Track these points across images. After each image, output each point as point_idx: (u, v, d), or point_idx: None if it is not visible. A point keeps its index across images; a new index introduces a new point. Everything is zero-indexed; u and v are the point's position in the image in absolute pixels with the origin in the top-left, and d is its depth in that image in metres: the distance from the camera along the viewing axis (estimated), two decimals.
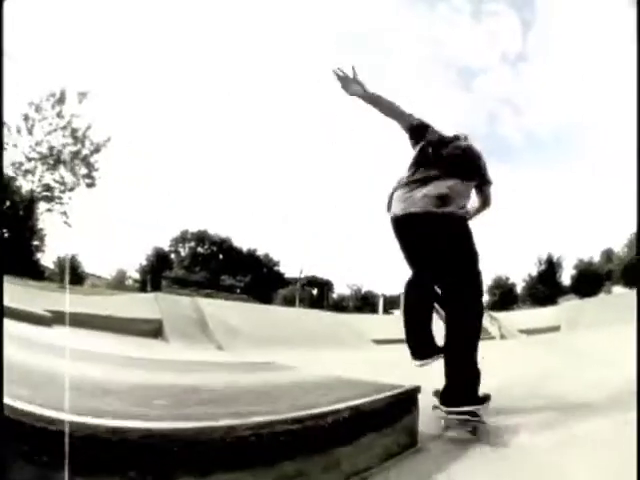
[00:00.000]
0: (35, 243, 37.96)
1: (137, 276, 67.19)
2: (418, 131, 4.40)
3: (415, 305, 4.44)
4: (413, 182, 4.00)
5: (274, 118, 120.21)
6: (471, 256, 4.12)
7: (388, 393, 3.33)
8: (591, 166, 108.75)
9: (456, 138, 4.37)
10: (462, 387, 3.75)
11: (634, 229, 68.62)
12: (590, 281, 47.34)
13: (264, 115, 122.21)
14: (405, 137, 4.52)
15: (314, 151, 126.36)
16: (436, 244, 3.96)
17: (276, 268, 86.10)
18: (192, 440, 2.08)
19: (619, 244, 66.84)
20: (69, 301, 16.03)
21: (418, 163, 4.17)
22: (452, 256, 3.98)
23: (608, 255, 61.82)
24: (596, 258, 58.66)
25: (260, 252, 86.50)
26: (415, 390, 3.49)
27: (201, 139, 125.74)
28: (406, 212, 3.94)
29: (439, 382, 3.97)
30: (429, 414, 3.83)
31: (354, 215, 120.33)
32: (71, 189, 21.88)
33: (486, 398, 3.83)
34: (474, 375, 3.83)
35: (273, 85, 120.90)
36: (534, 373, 6.43)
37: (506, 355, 14.40)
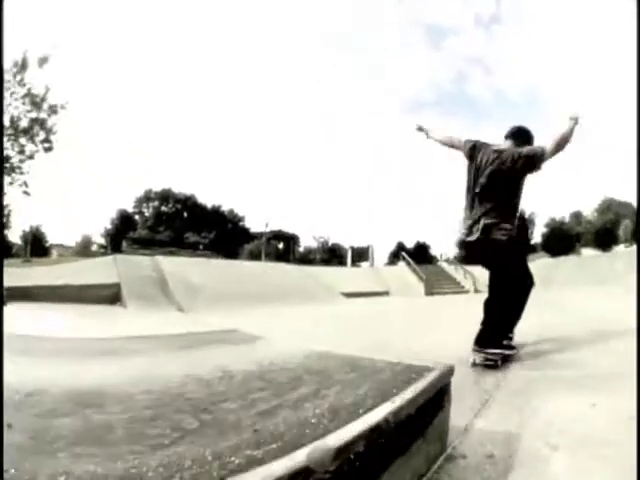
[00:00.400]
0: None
1: (102, 241, 65.75)
2: (471, 154, 5.25)
3: None
4: (468, 218, 5.13)
5: (236, 71, 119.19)
6: (514, 264, 5.45)
7: (418, 387, 2.10)
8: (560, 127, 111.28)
9: (499, 153, 5.04)
10: (490, 335, 5.06)
11: (605, 194, 70.45)
12: (561, 241, 47.99)
13: (226, 68, 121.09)
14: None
15: (279, 102, 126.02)
16: (488, 260, 5.54)
17: (241, 223, 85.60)
18: None
19: (589, 208, 68.58)
20: (28, 275, 15.40)
21: (468, 189, 5.21)
22: (500, 265, 5.41)
23: (577, 217, 63.02)
24: (567, 219, 59.88)
25: (225, 208, 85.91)
26: (448, 374, 2.48)
27: (162, 97, 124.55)
28: (466, 240, 5.19)
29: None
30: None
31: (319, 168, 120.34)
32: (30, 157, 20.64)
33: (511, 347, 5.24)
34: (501, 328, 5.21)
35: (227, 40, 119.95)
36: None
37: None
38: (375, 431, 1.60)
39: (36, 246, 43.40)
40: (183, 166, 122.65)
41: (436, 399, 2.27)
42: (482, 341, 4.97)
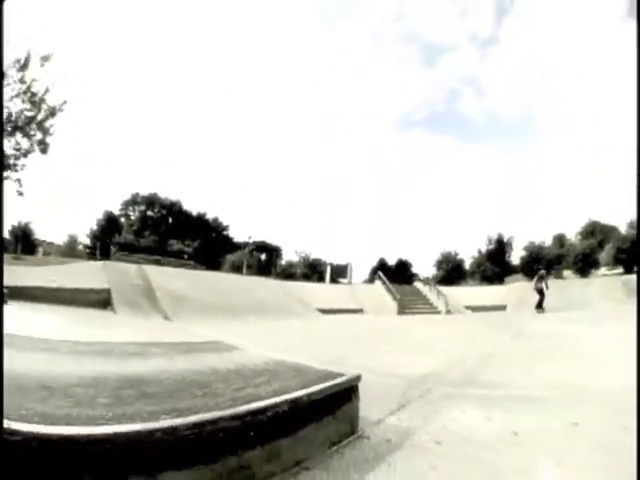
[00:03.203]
0: None
1: (88, 241, 66.06)
2: None
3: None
4: None
5: (224, 80, 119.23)
6: None
7: (328, 384, 3.46)
8: (550, 153, 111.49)
9: None
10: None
11: (589, 218, 71.51)
12: (539, 264, 48.69)
13: (215, 77, 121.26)
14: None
15: (268, 116, 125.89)
16: None
17: (225, 232, 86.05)
18: (136, 442, 2.14)
19: (572, 231, 69.52)
20: (21, 275, 15.76)
21: None
22: None
23: (560, 240, 63.80)
24: (548, 242, 60.31)
25: (209, 216, 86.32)
26: (356, 379, 3.70)
27: (153, 103, 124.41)
28: None
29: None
30: (365, 396, 4.09)
31: (306, 183, 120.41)
32: (25, 155, 21.23)
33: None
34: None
35: (215, 47, 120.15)
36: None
37: (451, 328, 15.09)
38: (294, 402, 2.99)
39: (23, 241, 43.64)
40: (170, 171, 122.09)
41: (345, 394, 3.57)
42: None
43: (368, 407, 4.20)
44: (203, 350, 6.07)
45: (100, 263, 20.45)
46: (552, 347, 10.18)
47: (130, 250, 46.06)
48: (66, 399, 2.56)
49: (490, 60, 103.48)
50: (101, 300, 15.32)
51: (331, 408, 3.40)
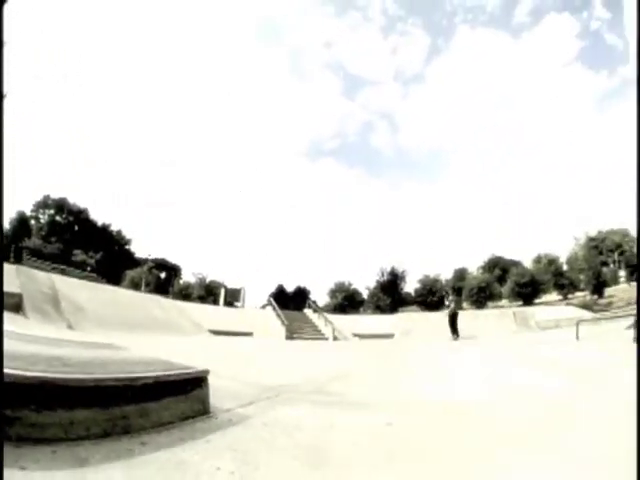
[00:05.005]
0: None
1: None
2: None
3: None
4: None
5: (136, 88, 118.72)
6: None
7: (183, 370, 4.89)
8: (455, 191, 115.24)
9: None
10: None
11: (492, 253, 74.76)
12: (433, 295, 50.32)
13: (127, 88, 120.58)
14: None
15: (181, 133, 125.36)
16: None
17: (127, 247, 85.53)
18: (60, 387, 3.36)
19: (474, 265, 72.42)
20: None
21: None
22: None
23: (461, 273, 66.20)
24: (448, 275, 62.34)
25: (114, 228, 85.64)
26: (205, 372, 4.99)
27: (69, 107, 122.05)
28: None
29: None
30: (224, 395, 5.59)
31: (212, 205, 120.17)
32: None
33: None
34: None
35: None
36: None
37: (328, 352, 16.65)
38: (158, 378, 4.32)
39: None
40: (80, 177, 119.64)
41: (196, 381, 4.81)
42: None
43: (224, 402, 5.36)
44: (100, 347, 7.66)
45: (14, 267, 20.58)
46: (413, 368, 12.17)
47: (37, 256, 45.60)
48: (15, 362, 3.52)
49: (411, 98, 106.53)
50: (14, 304, 15.77)
51: (185, 389, 4.60)
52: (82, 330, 15.43)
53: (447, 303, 28.01)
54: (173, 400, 4.41)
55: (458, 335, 24.50)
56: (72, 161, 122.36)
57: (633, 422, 3.38)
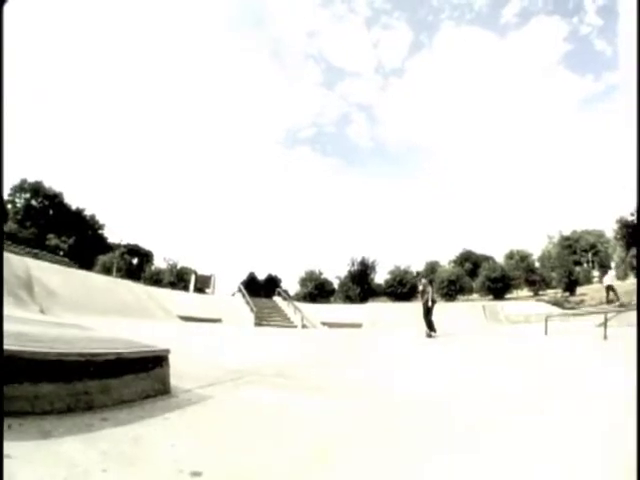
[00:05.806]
0: None
1: None
2: None
3: None
4: None
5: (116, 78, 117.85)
6: None
7: (143, 349, 5.11)
8: (431, 185, 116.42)
9: None
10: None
11: (463, 247, 75.81)
12: (403, 287, 50.41)
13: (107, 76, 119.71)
14: None
15: (153, 119, 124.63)
16: None
17: (100, 231, 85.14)
18: (29, 359, 3.56)
19: (447, 259, 73.27)
20: None
21: None
22: None
23: (433, 266, 66.90)
24: (420, 267, 62.69)
25: (87, 212, 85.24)
26: (165, 351, 5.14)
27: (44, 95, 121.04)
28: None
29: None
30: (186, 377, 5.84)
31: (187, 191, 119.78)
32: None
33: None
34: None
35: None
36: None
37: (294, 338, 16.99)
38: (119, 355, 4.56)
39: None
40: (55, 161, 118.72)
41: (156, 360, 4.95)
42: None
43: (186, 383, 5.57)
44: (67, 326, 8.02)
45: None
46: (374, 356, 12.59)
47: (13, 240, 45.47)
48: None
49: (391, 91, 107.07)
50: None
51: (146, 367, 4.73)
52: (54, 314, 15.58)
53: (421, 288, 21.41)
54: (134, 378, 4.57)
55: (435, 330, 20.13)
56: (49, 145, 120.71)
57: (596, 415, 3.98)
